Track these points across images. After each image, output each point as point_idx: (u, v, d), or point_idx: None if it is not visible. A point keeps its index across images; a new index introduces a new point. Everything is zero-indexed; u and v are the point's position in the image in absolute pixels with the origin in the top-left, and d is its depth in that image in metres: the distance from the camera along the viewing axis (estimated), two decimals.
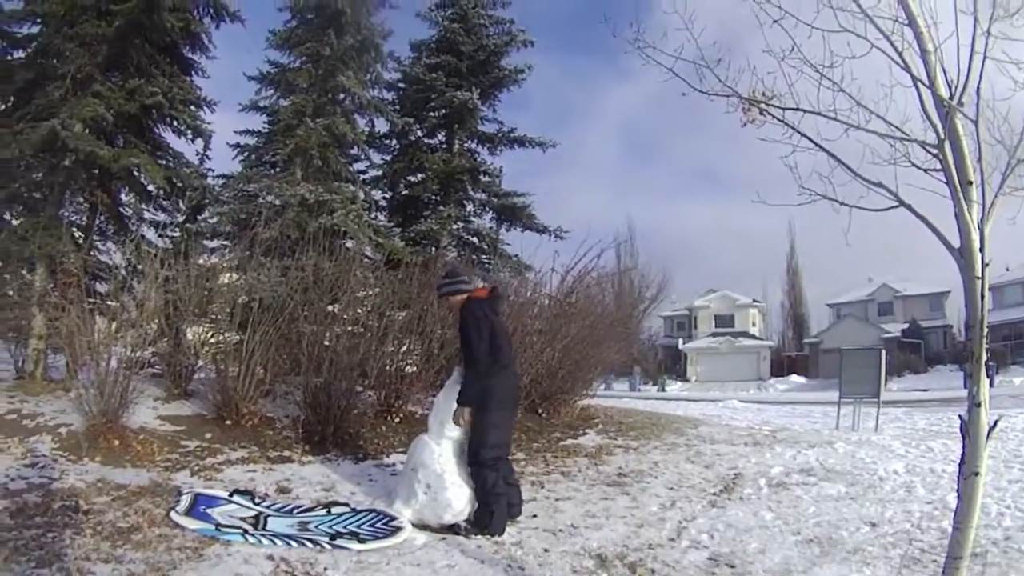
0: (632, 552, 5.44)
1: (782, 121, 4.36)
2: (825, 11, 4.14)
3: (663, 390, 44.00)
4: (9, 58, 10.79)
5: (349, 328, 9.40)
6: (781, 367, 54.31)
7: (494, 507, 5.86)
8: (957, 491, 3.72)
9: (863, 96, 4.11)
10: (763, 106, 4.37)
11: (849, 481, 7.57)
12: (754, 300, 60.05)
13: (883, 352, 14.32)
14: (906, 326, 50.75)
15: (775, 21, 4.26)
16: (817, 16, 4.18)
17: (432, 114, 17.57)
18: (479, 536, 5.71)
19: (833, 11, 4.10)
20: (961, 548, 3.64)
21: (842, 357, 14.71)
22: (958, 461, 3.69)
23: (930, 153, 3.93)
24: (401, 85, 17.78)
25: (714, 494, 7.21)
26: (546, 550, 5.46)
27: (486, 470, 5.94)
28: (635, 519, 6.33)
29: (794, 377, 49.31)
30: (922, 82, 3.90)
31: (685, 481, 7.79)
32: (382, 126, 16.54)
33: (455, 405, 6.02)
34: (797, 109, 4.30)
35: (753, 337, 56.25)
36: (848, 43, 4.13)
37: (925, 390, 30.94)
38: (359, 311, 10.07)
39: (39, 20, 10.61)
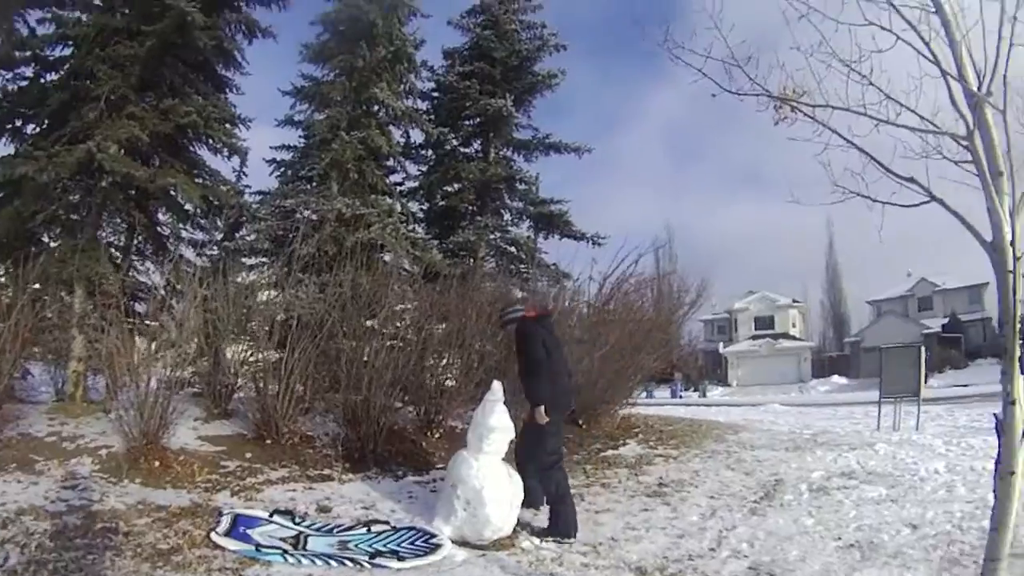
0: (672, 564, 5.45)
1: (812, 118, 4.37)
2: (851, 5, 4.12)
3: (704, 396, 43.39)
4: (43, 81, 10.92)
5: (388, 343, 9.30)
6: (822, 367, 53.37)
7: (562, 508, 6.29)
8: (994, 491, 3.69)
9: (892, 89, 4.13)
10: (793, 104, 4.39)
11: (890, 483, 7.47)
12: (794, 300, 58.86)
13: (923, 349, 13.99)
14: (946, 321, 49.53)
15: (802, 16, 4.28)
16: (843, 10, 4.17)
17: (467, 122, 17.54)
18: (556, 542, 6.02)
19: (859, 4, 4.09)
20: (998, 549, 3.62)
21: (882, 356, 14.41)
22: (995, 461, 3.67)
23: (960, 145, 3.92)
24: (435, 94, 17.75)
25: (755, 501, 7.15)
26: (585, 565, 5.47)
27: (553, 472, 6.45)
28: (675, 530, 6.33)
29: (835, 378, 48.17)
30: (950, 75, 3.89)
31: (726, 489, 7.72)
32: (417, 137, 16.51)
33: (497, 421, 6.19)
34: (827, 106, 4.31)
35: (793, 338, 55.13)
36: (874, 36, 4.14)
37: (966, 385, 29.99)
38: (398, 325, 9.97)
39: (71, 43, 10.72)
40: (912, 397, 12.85)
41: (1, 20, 10.41)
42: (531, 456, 6.54)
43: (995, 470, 3.70)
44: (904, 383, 13.11)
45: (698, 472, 8.57)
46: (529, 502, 6.46)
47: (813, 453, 9.37)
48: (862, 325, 58.41)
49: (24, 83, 10.91)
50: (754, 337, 55.53)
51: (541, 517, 6.61)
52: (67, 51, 10.87)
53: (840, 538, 5.80)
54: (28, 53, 10.79)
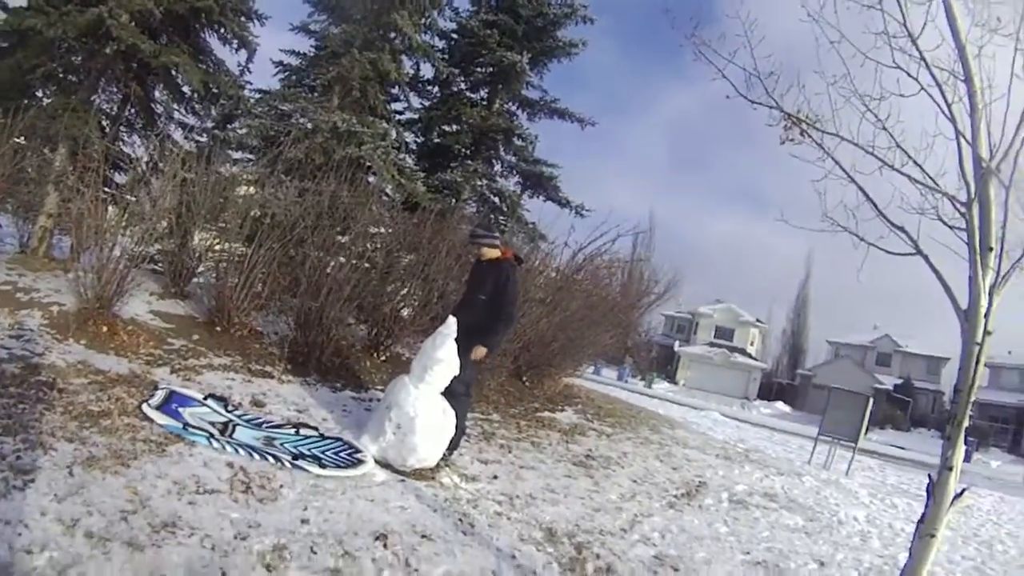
0: (582, 533, 5.57)
1: (819, 145, 4.46)
2: (883, 46, 4.21)
3: (650, 387, 43.34)
4: None
5: (354, 261, 9.43)
6: (770, 391, 54.32)
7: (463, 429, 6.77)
8: (910, 550, 3.81)
9: (904, 140, 4.20)
10: (804, 126, 4.47)
11: (809, 516, 7.66)
12: (757, 320, 59.40)
13: (871, 400, 14.36)
14: (899, 381, 50.59)
15: (833, 43, 4.35)
16: (874, 48, 4.23)
17: (479, 69, 17.43)
18: (450, 454, 6.53)
19: (891, 48, 4.17)
20: None
21: (830, 394, 14.75)
22: (918, 520, 3.77)
23: (958, 211, 3.99)
24: (454, 36, 17.61)
25: (675, 496, 7.32)
26: (499, 513, 5.60)
27: (470, 400, 7.04)
28: (593, 503, 6.46)
29: (780, 404, 48.94)
30: (965, 138, 3.93)
31: (650, 478, 7.89)
32: (427, 71, 16.44)
33: (445, 354, 6.27)
34: (837, 135, 4.39)
35: (749, 356, 55.70)
36: (898, 80, 4.22)
37: (903, 448, 30.89)
38: (368, 246, 10.08)
39: None
40: (850, 442, 13.27)
41: None
42: (468, 391, 6.85)
43: (916, 530, 3.81)
44: (846, 427, 13.51)
45: (627, 454, 8.74)
46: (455, 442, 6.65)
47: (741, 467, 9.62)
48: (817, 361, 59.52)
49: None
50: (711, 344, 56.17)
51: (465, 458, 6.81)
52: None
53: (749, 553, 5.95)
54: None
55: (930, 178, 4.11)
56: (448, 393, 6.43)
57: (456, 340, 6.31)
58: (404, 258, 10.32)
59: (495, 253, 7.01)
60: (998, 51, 3.96)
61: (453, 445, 6.57)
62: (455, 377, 6.41)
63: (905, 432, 43.51)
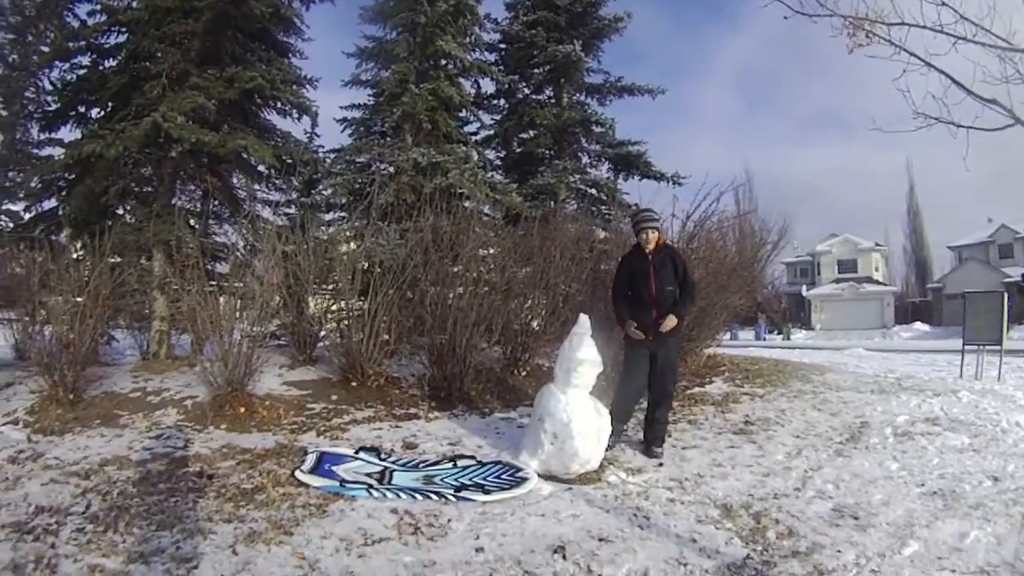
0: (757, 502, 5.36)
1: (889, 41, 4.36)
2: None
3: (788, 338, 42.18)
4: (101, 68, 11.14)
5: (472, 287, 9.24)
6: (905, 314, 51.54)
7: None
8: None
9: (966, 12, 4.06)
10: (867, 25, 4.37)
11: (972, 432, 7.27)
12: (876, 244, 56.25)
13: (1006, 295, 13.45)
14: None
15: None
16: None
17: (537, 70, 17.38)
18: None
19: None
20: None
21: (965, 301, 13.82)
22: None
23: None
24: (502, 45, 17.59)
25: (840, 443, 7.02)
26: (671, 500, 5.37)
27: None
28: (761, 468, 6.22)
29: (918, 324, 46.20)
30: None
31: (811, 430, 7.58)
32: (488, 87, 16.49)
33: (585, 353, 6.03)
34: (902, 24, 4.28)
35: (876, 282, 52.94)
36: None
37: None
38: (481, 268, 9.90)
39: (124, 28, 10.94)
40: (995, 346, 12.54)
41: (51, 15, 10.62)
42: (672, 383, 6.91)
43: None
44: (987, 331, 12.74)
45: (784, 411, 8.44)
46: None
47: (898, 397, 9.21)
48: (944, 271, 55.69)
49: (82, 71, 11.21)
50: (837, 280, 53.61)
51: (627, 452, 6.58)
52: (122, 37, 11.13)
53: (923, 484, 5.66)
54: (82, 43, 11.11)
55: (1002, 39, 3.91)
56: (663, 394, 6.71)
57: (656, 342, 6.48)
58: (520, 271, 10.09)
59: (662, 237, 6.80)
60: None
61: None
62: (669, 377, 6.71)
63: None
